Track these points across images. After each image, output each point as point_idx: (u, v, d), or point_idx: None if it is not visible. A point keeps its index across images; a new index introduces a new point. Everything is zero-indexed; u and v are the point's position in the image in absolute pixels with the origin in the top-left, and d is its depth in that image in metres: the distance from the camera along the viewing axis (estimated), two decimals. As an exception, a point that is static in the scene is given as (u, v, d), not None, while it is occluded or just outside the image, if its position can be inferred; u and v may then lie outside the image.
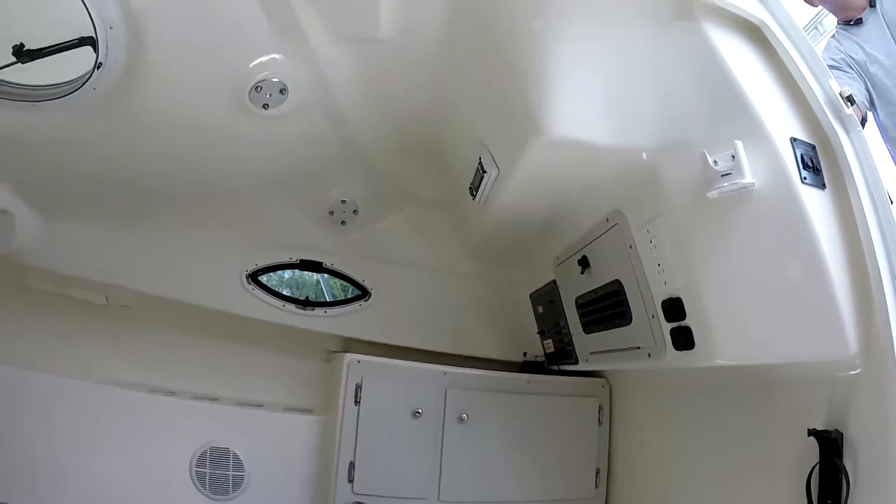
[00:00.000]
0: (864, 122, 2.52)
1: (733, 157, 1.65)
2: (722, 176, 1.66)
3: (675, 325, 1.93)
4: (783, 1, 1.79)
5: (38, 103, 2.13)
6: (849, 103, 1.73)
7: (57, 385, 2.74)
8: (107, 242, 2.90)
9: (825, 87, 1.74)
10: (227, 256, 3.09)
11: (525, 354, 3.31)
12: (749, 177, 1.63)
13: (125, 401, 2.83)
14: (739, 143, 1.64)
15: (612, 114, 1.86)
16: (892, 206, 1.66)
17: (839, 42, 2.67)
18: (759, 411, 2.05)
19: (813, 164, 1.67)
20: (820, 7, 2.91)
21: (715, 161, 1.67)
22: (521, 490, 2.87)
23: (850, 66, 2.55)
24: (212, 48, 2.12)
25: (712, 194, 1.68)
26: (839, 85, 1.75)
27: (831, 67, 2.21)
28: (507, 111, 2.04)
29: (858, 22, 2.64)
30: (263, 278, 3.18)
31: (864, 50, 2.58)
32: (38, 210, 2.73)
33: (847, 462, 1.65)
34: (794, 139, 1.67)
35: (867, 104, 2.55)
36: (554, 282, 2.79)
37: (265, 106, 2.32)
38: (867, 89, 2.56)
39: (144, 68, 2.09)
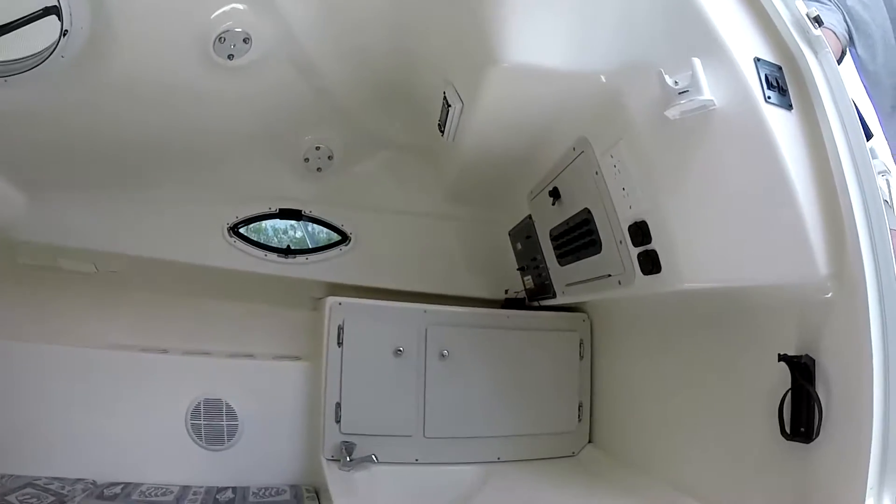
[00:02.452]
0: (843, 54, 2.47)
1: (692, 76, 1.61)
2: (679, 94, 1.63)
3: (641, 249, 1.93)
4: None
5: (8, 78, 2.12)
6: (816, 24, 1.68)
7: (50, 353, 2.83)
8: (90, 211, 2.93)
9: (791, 7, 1.68)
10: (208, 213, 3.11)
11: (507, 292, 3.32)
12: (707, 94, 1.59)
13: (118, 362, 2.91)
14: (697, 60, 1.60)
15: (569, 38, 1.81)
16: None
17: None
18: (733, 338, 2.06)
19: (778, 85, 1.63)
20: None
21: (675, 81, 1.64)
22: (505, 425, 2.91)
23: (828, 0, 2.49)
24: (173, 3, 2.09)
25: (670, 113, 1.65)
26: (808, 8, 1.70)
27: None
28: (465, 43, 2.00)
29: None
30: (246, 231, 3.21)
31: None
32: (20, 185, 2.76)
33: (819, 388, 1.65)
34: (758, 59, 1.63)
35: (846, 36, 2.49)
36: (530, 217, 2.78)
37: (230, 56, 2.29)
38: (846, 21, 2.50)
39: (110, 31, 2.08)
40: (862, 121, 1.72)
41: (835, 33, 2.34)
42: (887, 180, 2.64)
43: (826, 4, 2.42)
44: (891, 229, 1.61)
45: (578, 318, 3.07)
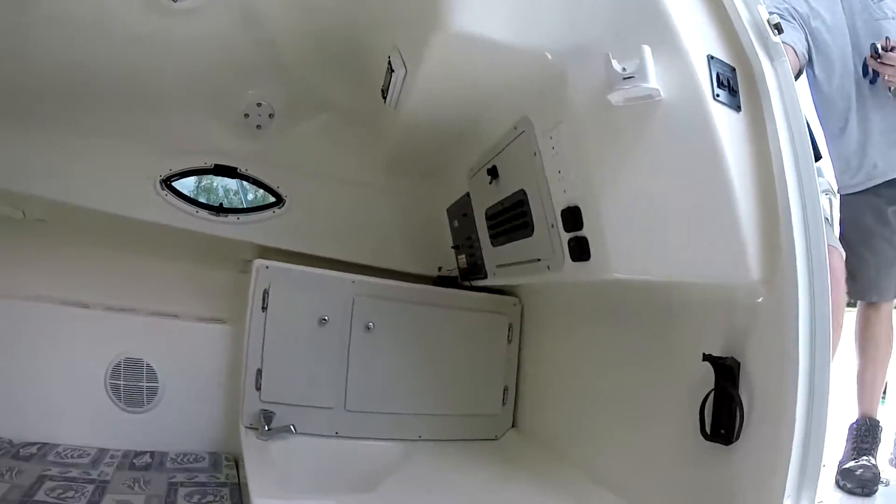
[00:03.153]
0: (799, 73, 2.50)
1: (640, 63, 1.57)
2: (624, 79, 1.59)
3: (572, 235, 1.90)
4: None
5: None
6: (776, 31, 1.66)
7: None
8: (18, 152, 2.79)
9: (753, 11, 1.65)
10: (141, 163, 2.99)
11: (440, 269, 3.29)
12: (653, 82, 1.55)
13: (37, 314, 2.80)
14: (647, 48, 1.56)
15: (517, 11, 1.75)
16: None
17: None
18: (660, 334, 2.05)
19: (729, 85, 1.61)
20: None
21: (623, 68, 1.60)
22: (429, 403, 2.89)
23: (793, 17, 2.49)
24: None
25: (613, 97, 1.60)
26: (770, 14, 1.68)
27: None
28: (412, 6, 1.93)
29: None
30: (179, 186, 3.09)
31: (808, 4, 2.53)
32: None
33: (742, 391, 1.65)
34: (712, 57, 1.60)
35: (805, 56, 2.51)
36: (468, 194, 2.73)
37: None
38: (807, 41, 2.52)
39: None
40: (812, 141, 1.72)
41: (794, 51, 2.36)
42: (830, 199, 2.70)
43: (790, 22, 2.44)
44: (829, 245, 1.62)
45: (509, 302, 3.05)
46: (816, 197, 1.58)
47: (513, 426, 3.00)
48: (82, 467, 2.49)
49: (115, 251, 3.10)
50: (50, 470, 2.38)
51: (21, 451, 2.51)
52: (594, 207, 1.81)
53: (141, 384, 2.87)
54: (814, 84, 2.58)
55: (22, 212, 2.91)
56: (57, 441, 2.68)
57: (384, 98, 2.36)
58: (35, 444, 2.61)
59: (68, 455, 2.58)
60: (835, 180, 2.70)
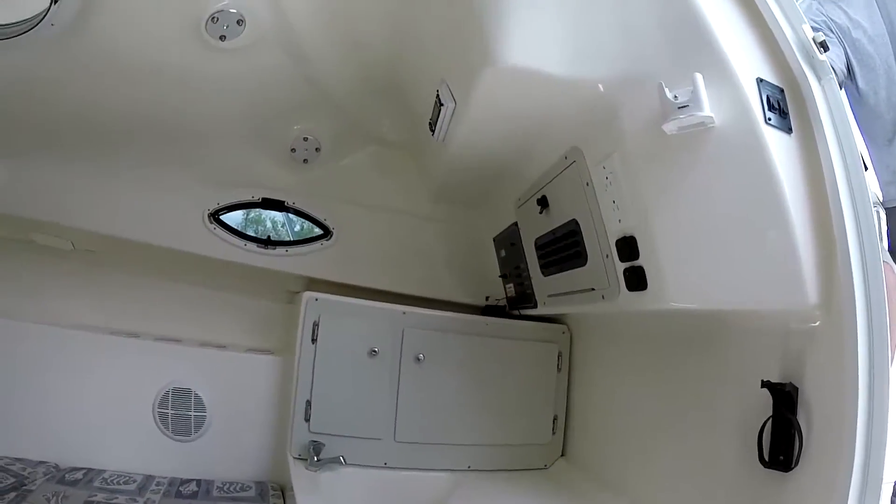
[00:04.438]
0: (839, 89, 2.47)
1: (693, 91, 1.57)
2: (679, 108, 1.59)
3: (628, 264, 1.89)
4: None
5: None
6: (822, 49, 1.66)
7: (19, 330, 2.74)
8: (69, 185, 2.86)
9: (798, 30, 1.65)
10: (190, 197, 3.05)
11: (487, 299, 3.28)
12: (707, 110, 1.56)
13: (89, 343, 2.83)
14: (699, 76, 1.57)
15: (568, 44, 1.78)
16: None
17: (821, 5, 2.59)
18: (715, 361, 2.02)
19: (780, 107, 1.60)
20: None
21: (675, 96, 1.61)
22: (478, 433, 2.87)
23: (832, 30, 2.48)
24: None
25: (668, 127, 1.61)
26: (815, 32, 1.67)
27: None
28: (462, 42, 1.97)
29: None
30: (227, 219, 3.14)
31: (847, 15, 2.51)
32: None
33: (801, 417, 1.62)
34: (761, 80, 1.60)
35: (845, 72, 2.49)
36: (515, 224, 2.74)
37: (222, 38, 2.28)
38: (846, 57, 2.50)
39: (100, 2, 2.05)
40: None
41: (833, 69, 2.34)
42: (877, 212, 2.65)
43: (829, 37, 2.42)
44: (883, 262, 1.59)
45: (558, 330, 3.03)
46: (871, 216, 1.56)
47: (562, 455, 2.96)
48: (128, 493, 2.49)
49: (164, 282, 3.15)
50: (96, 496, 2.38)
51: (67, 475, 2.52)
52: (650, 237, 1.80)
53: (189, 413, 2.89)
54: (857, 96, 2.56)
55: (71, 243, 2.97)
56: (103, 466, 2.69)
57: (432, 131, 2.39)
58: (81, 469, 2.62)
59: (114, 481, 2.58)
60: (880, 191, 2.66)
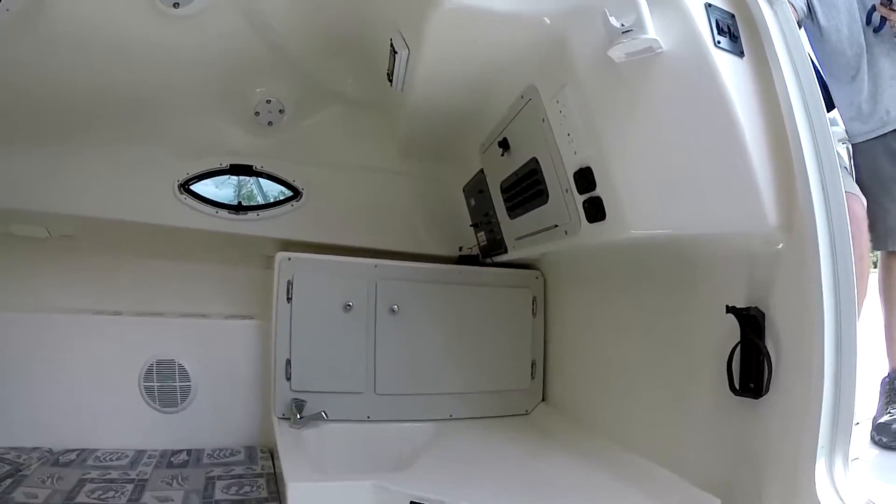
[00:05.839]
0: (798, 27, 2.46)
1: (636, 16, 1.57)
2: (623, 34, 1.59)
3: (586, 196, 1.89)
4: None
5: None
6: None
7: (4, 321, 2.79)
8: (39, 171, 2.88)
9: None
10: (158, 170, 3.06)
11: (461, 249, 3.30)
12: (651, 33, 1.55)
13: (71, 326, 2.89)
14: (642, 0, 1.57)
15: (510, -22, 1.76)
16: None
17: None
18: (682, 291, 2.05)
19: (730, 31, 1.61)
20: None
21: (622, 24, 1.60)
22: (458, 382, 2.92)
23: None
24: None
25: (614, 53, 1.61)
26: None
27: None
28: (410, -14, 1.95)
29: None
30: (197, 188, 3.15)
31: None
32: None
33: (769, 342, 1.64)
34: (709, 4, 1.60)
35: (805, 10, 2.48)
36: (482, 171, 2.74)
37: (175, 5, 2.25)
38: None
39: None
40: (825, 92, 1.69)
41: (793, 6, 2.33)
42: (848, 148, 2.66)
43: None
44: (848, 192, 1.61)
45: (531, 275, 3.06)
46: (829, 139, 1.58)
47: (543, 400, 3.01)
48: (121, 469, 2.55)
49: (141, 258, 3.17)
50: (90, 473, 2.45)
51: (61, 458, 2.58)
52: (606, 166, 1.80)
53: (174, 384, 2.94)
54: (818, 34, 2.55)
55: (47, 230, 3.00)
56: (95, 446, 2.74)
57: (390, 82, 2.38)
58: (74, 450, 2.68)
59: (107, 458, 2.64)
60: (844, 129, 2.67)
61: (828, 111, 1.77)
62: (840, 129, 2.65)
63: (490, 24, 1.84)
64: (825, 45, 2.55)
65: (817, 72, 2.32)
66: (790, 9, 2.04)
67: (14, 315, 2.81)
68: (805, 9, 2.49)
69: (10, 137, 2.76)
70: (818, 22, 2.52)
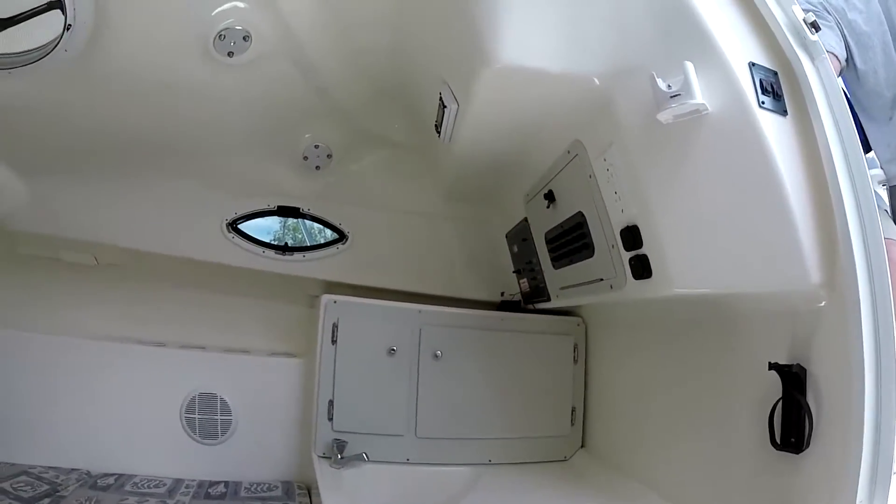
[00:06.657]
0: (839, 74, 2.45)
1: (684, 79, 1.60)
2: (671, 97, 1.62)
3: (632, 253, 1.92)
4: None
5: (12, 70, 2.17)
6: (814, 29, 1.67)
7: (48, 343, 2.85)
8: (91, 203, 2.96)
9: (788, 12, 1.67)
10: (208, 208, 3.13)
11: (502, 294, 3.32)
12: (699, 97, 1.58)
13: (117, 353, 2.93)
14: (689, 64, 1.60)
15: (562, 40, 1.81)
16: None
17: None
18: (725, 346, 2.04)
19: (773, 90, 1.62)
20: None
21: (668, 85, 1.63)
22: (497, 427, 2.91)
23: (829, 13, 2.47)
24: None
25: (662, 116, 1.64)
26: (805, 13, 1.68)
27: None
28: (458, 44, 2.00)
29: None
30: (244, 227, 3.22)
31: None
32: (22, 175, 2.79)
33: (810, 398, 1.63)
34: (753, 63, 1.62)
35: (845, 55, 2.48)
36: (525, 219, 2.77)
37: (230, 54, 2.33)
38: (844, 40, 2.49)
39: (112, 27, 2.12)
40: (861, 133, 1.69)
41: (836, 56, 2.33)
42: (888, 189, 2.63)
43: (826, 21, 2.41)
44: (886, 238, 1.60)
45: (573, 322, 3.06)
46: (870, 193, 1.57)
47: (582, 446, 2.98)
48: (159, 496, 2.56)
49: (186, 291, 3.23)
50: (127, 499, 2.46)
51: (99, 481, 2.60)
52: (652, 225, 1.83)
53: (215, 417, 2.97)
54: (854, 77, 2.53)
55: (94, 258, 3.07)
56: (134, 472, 2.77)
57: (438, 133, 2.43)
58: (112, 474, 2.70)
59: (144, 485, 2.66)
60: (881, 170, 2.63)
61: (864, 153, 1.76)
62: (878, 171, 2.62)
63: (539, 81, 1.89)
64: (862, 87, 2.52)
65: (853, 111, 2.34)
66: (832, 58, 2.04)
67: (60, 339, 2.86)
68: (845, 55, 2.48)
69: (67, 168, 2.86)
70: (854, 65, 2.51)
